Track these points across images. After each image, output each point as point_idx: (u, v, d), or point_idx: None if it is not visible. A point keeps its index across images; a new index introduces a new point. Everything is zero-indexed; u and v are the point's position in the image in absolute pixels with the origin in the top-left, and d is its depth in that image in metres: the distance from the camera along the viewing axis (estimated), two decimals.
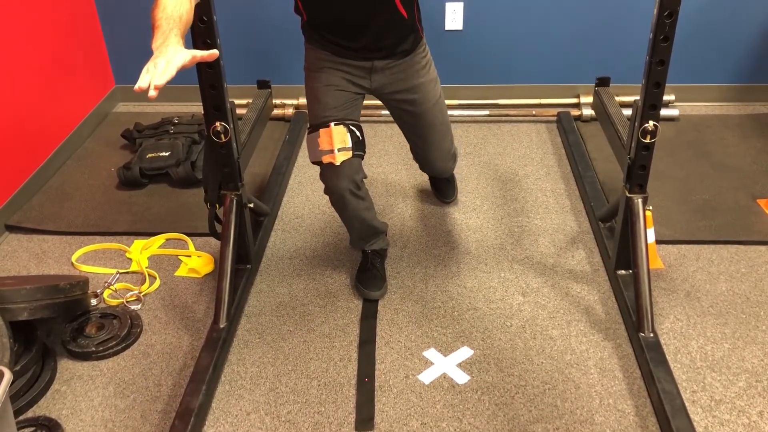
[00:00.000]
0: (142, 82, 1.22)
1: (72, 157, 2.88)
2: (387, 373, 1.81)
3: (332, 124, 1.89)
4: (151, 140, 2.79)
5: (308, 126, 1.96)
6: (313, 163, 1.92)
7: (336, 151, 1.86)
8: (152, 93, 1.20)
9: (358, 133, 1.91)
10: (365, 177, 1.94)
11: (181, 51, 1.28)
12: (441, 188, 2.51)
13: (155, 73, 1.22)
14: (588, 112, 3.02)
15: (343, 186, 1.88)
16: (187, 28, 1.40)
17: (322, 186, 1.94)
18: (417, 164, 2.34)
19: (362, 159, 1.92)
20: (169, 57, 1.25)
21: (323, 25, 1.90)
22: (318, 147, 1.89)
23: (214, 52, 1.32)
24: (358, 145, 1.90)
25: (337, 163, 1.86)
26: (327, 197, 1.96)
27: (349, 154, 1.87)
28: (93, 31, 3.11)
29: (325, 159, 1.87)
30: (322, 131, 1.89)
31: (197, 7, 1.54)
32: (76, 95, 2.99)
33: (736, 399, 1.70)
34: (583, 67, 3.09)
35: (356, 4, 1.82)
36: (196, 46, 1.78)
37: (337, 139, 1.87)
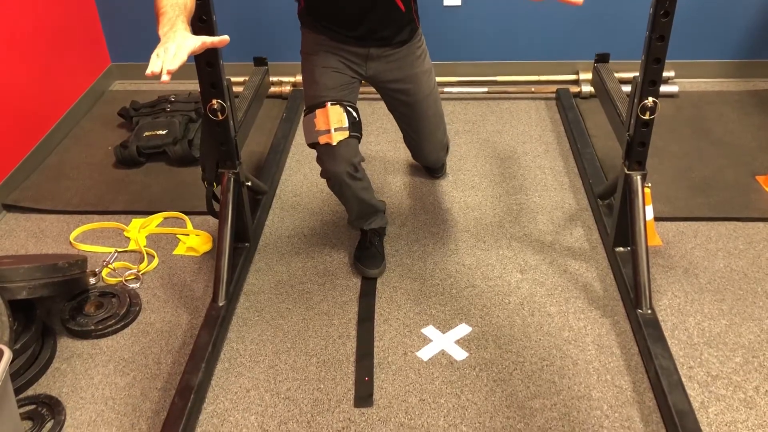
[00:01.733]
0: (154, 67, 1.20)
1: (69, 136, 2.86)
2: (386, 350, 1.81)
3: (329, 103, 1.88)
4: (147, 118, 2.77)
5: (304, 109, 1.95)
6: (310, 145, 1.90)
7: (332, 131, 1.85)
8: (165, 78, 1.19)
9: (354, 114, 1.90)
10: (363, 160, 1.93)
11: (190, 36, 1.28)
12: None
13: (166, 58, 1.21)
14: (587, 88, 3.00)
15: (340, 170, 1.87)
16: (191, 15, 1.41)
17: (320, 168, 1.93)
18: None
19: (359, 141, 1.91)
20: (179, 42, 1.25)
21: (320, 14, 1.90)
22: (314, 128, 1.87)
23: (225, 38, 1.31)
24: (355, 126, 1.89)
25: (334, 143, 1.84)
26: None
27: (346, 134, 1.86)
28: (88, 9, 3.08)
29: (322, 139, 1.86)
30: (318, 111, 1.88)
31: None
32: (72, 74, 2.96)
33: (732, 374, 1.71)
34: (583, 43, 3.06)
35: None
36: (191, 23, 1.77)
37: (334, 118, 1.86)
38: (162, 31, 1.31)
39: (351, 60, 1.95)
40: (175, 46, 1.24)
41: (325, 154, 1.88)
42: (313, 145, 1.89)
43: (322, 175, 1.92)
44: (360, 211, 2.06)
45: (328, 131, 1.85)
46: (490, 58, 3.14)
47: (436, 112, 2.14)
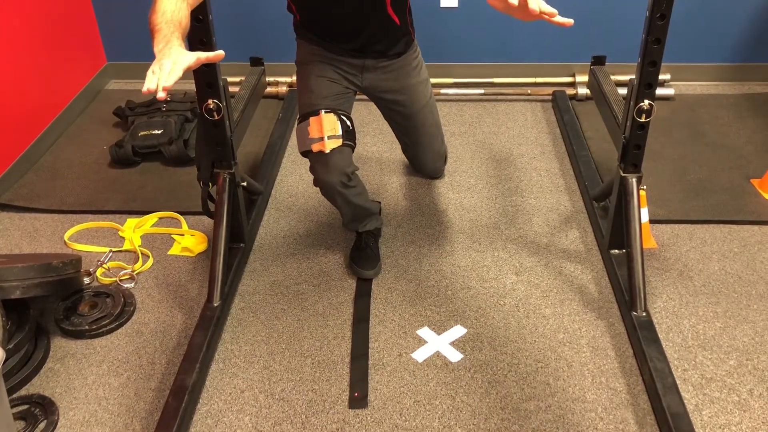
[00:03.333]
0: (150, 84, 1.21)
1: (64, 135, 2.85)
2: (381, 352, 1.81)
3: (323, 111, 1.88)
4: (143, 118, 2.76)
5: (298, 117, 1.95)
6: (303, 154, 1.90)
7: (326, 138, 1.84)
8: (161, 94, 1.20)
9: (348, 123, 1.90)
10: (356, 169, 1.92)
11: (185, 53, 1.28)
12: None
13: (162, 75, 1.22)
14: (583, 91, 3.01)
15: (333, 180, 1.86)
16: (185, 32, 1.41)
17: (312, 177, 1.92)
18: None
19: (353, 150, 1.91)
20: (174, 58, 1.25)
21: (316, 27, 1.91)
22: (308, 135, 1.87)
23: (220, 53, 1.31)
24: (349, 135, 1.88)
25: (327, 151, 1.84)
26: None
27: (339, 142, 1.85)
28: (84, 8, 3.07)
29: (315, 147, 1.85)
30: (312, 119, 1.88)
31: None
32: (68, 72, 2.96)
33: (726, 377, 1.71)
34: (579, 45, 3.07)
35: (348, 11, 1.83)
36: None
37: (327, 126, 1.85)
38: (157, 47, 1.31)
39: (346, 71, 1.95)
40: (171, 63, 1.24)
41: (318, 162, 1.87)
42: (306, 153, 1.89)
43: (315, 183, 1.92)
44: (354, 215, 2.06)
45: (321, 139, 1.85)
46: (486, 59, 3.14)
47: (433, 122, 2.15)
